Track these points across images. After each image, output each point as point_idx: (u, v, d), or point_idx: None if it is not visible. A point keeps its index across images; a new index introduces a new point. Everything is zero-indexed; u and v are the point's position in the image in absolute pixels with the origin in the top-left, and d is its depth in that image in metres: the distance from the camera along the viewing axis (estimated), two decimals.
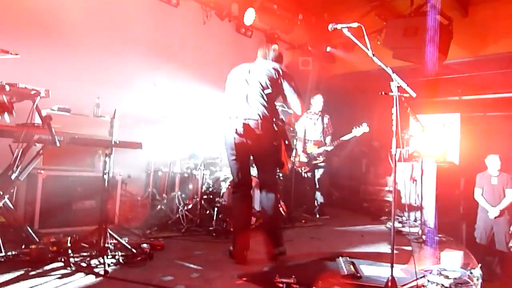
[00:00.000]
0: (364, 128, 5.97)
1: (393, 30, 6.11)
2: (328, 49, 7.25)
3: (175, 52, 5.90)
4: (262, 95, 3.47)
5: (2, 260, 2.91)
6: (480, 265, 3.62)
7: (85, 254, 3.14)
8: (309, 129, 6.46)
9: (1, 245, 2.96)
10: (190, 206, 4.79)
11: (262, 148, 3.48)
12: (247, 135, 3.43)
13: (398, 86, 2.73)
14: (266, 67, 3.57)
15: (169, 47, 5.89)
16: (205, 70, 6.00)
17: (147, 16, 5.62)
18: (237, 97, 3.54)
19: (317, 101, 6.50)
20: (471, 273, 3.28)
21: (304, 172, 6.39)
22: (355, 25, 2.82)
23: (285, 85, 3.54)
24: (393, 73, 2.75)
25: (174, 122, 5.03)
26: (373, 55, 2.78)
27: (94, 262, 3.00)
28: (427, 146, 5.32)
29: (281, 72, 3.55)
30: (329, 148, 6.31)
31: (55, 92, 3.37)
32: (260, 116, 3.41)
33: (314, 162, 6.35)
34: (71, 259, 2.99)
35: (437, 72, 5.78)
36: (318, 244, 4.38)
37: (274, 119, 3.49)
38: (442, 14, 5.80)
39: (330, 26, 2.93)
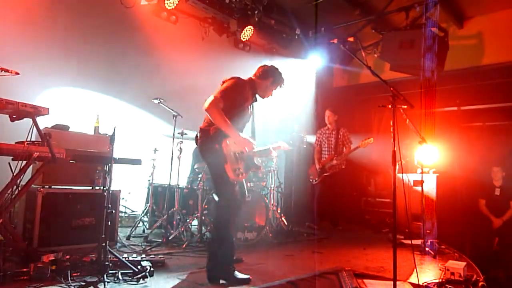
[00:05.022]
0: (370, 141, 6.07)
1: (389, 43, 6.18)
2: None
3: (174, 68, 5.95)
4: None
5: (1, 280, 2.88)
6: (484, 276, 3.57)
7: (84, 272, 3.11)
8: (324, 144, 6.63)
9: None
10: (190, 221, 4.77)
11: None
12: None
13: (396, 98, 2.75)
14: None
15: (169, 63, 5.94)
16: (205, 84, 6.04)
17: (147, 33, 5.69)
18: None
19: (327, 117, 6.66)
20: (475, 284, 3.24)
21: (314, 181, 6.57)
22: (350, 39, 2.85)
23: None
24: (390, 85, 2.77)
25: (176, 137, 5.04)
26: (370, 68, 2.80)
27: (94, 280, 2.97)
28: (426, 156, 5.32)
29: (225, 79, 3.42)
30: (334, 162, 6.39)
31: (54, 109, 3.40)
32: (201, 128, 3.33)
33: (325, 174, 6.46)
34: (71, 278, 2.95)
35: (434, 83, 5.83)
36: (320, 258, 4.33)
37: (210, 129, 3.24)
38: (437, 26, 5.88)
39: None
